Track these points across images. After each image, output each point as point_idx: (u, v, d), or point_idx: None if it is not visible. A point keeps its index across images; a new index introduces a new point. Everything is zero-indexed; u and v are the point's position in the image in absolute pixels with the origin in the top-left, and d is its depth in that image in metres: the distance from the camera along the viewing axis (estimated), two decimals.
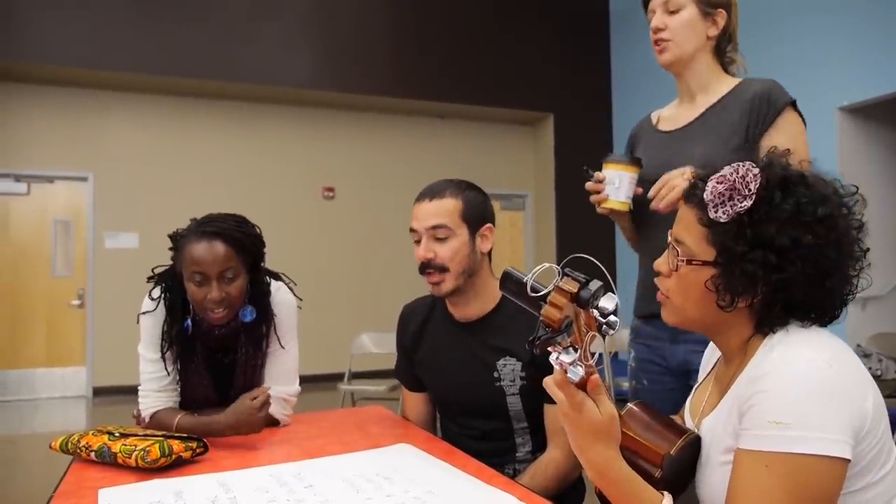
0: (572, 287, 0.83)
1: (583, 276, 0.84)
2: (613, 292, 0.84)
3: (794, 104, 1.46)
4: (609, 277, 0.84)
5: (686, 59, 1.54)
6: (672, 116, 1.63)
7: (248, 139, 6.95)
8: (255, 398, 1.50)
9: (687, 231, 0.95)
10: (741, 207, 0.88)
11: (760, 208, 0.88)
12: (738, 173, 0.89)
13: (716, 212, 0.90)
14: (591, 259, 0.89)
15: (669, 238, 0.99)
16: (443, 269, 1.50)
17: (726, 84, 1.54)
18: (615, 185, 1.52)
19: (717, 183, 0.90)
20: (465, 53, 7.28)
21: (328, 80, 6.78)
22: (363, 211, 7.32)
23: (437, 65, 7.17)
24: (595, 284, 0.83)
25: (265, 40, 6.53)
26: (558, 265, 0.86)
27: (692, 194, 0.96)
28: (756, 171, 0.89)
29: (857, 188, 0.96)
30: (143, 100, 6.60)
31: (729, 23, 1.54)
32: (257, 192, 6.84)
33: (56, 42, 5.84)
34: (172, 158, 6.67)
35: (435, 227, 1.50)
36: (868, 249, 0.94)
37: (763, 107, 1.44)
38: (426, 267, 1.51)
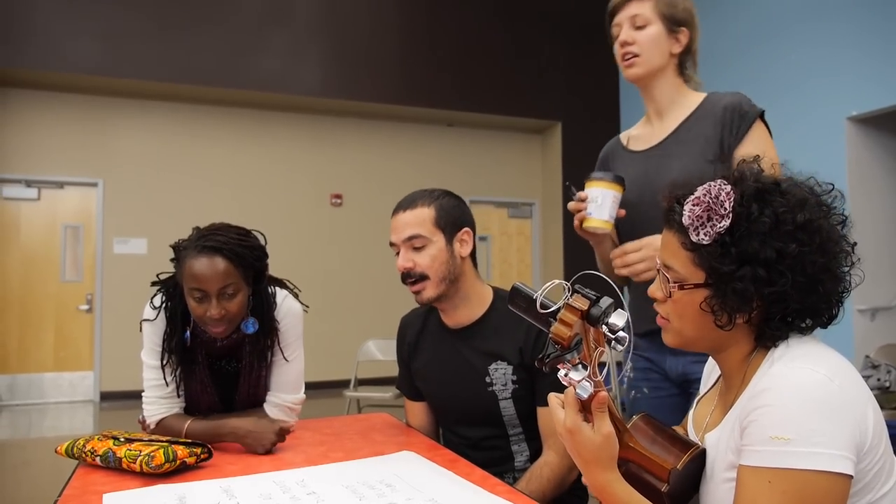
0: (582, 304, 0.83)
1: (593, 293, 0.84)
2: (623, 309, 0.83)
3: (762, 115, 1.48)
4: (619, 293, 0.84)
5: (652, 74, 1.55)
6: (643, 135, 1.63)
7: (257, 146, 6.99)
8: (275, 423, 1.53)
9: (673, 256, 0.95)
10: (721, 227, 0.87)
11: (740, 225, 0.87)
12: (710, 193, 0.89)
13: (697, 235, 0.89)
14: (602, 275, 0.89)
15: (658, 264, 0.98)
16: (423, 278, 1.52)
17: (693, 99, 1.55)
18: (598, 202, 1.46)
19: (694, 205, 0.90)
20: (473, 61, 7.30)
21: (337, 87, 6.82)
22: (371, 218, 7.34)
23: (446, 73, 7.20)
24: (605, 302, 0.83)
25: (275, 48, 6.58)
26: (565, 275, 0.86)
27: (671, 219, 0.95)
28: (728, 188, 0.88)
29: (833, 185, 0.95)
30: (153, 107, 6.66)
31: (691, 42, 1.55)
32: (266, 199, 6.87)
33: (67, 49, 5.90)
34: (182, 165, 6.72)
35: (411, 238, 1.52)
36: (856, 244, 0.92)
37: (735, 119, 1.45)
38: (407, 277, 1.54)
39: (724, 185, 0.89)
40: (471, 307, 1.57)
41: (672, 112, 1.57)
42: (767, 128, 1.49)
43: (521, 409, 1.51)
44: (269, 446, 1.48)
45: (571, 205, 1.53)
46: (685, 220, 0.91)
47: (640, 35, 1.53)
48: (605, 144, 1.75)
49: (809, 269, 0.86)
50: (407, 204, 1.56)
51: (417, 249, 1.52)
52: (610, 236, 1.59)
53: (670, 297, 0.95)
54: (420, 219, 1.53)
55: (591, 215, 1.48)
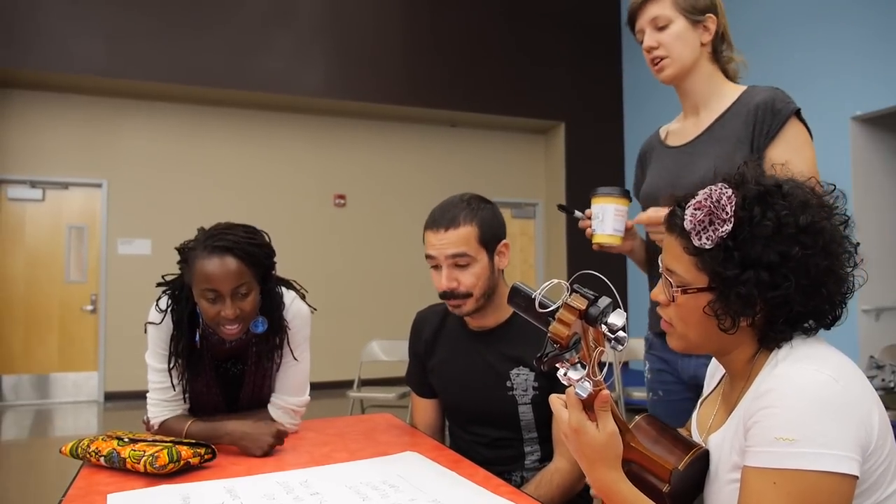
0: (581, 304, 0.83)
1: (591, 292, 0.84)
2: (622, 308, 0.83)
3: (798, 113, 1.41)
4: (617, 294, 0.84)
5: (686, 72, 1.51)
6: (679, 130, 1.59)
7: (260, 147, 7.00)
8: (273, 426, 1.51)
9: (676, 260, 0.94)
10: (723, 232, 0.87)
11: (743, 229, 0.87)
12: (712, 198, 0.88)
13: (699, 239, 0.89)
14: (600, 276, 0.89)
15: (661, 268, 0.98)
16: (466, 296, 1.49)
17: (731, 93, 1.50)
18: (599, 218, 1.51)
19: (695, 210, 0.89)
20: (477, 62, 7.30)
21: (340, 88, 6.82)
22: (374, 219, 7.35)
23: (450, 73, 7.20)
24: (604, 301, 0.83)
25: (279, 49, 6.59)
26: (569, 275, 0.86)
27: (673, 223, 0.95)
28: (729, 192, 0.88)
29: (835, 186, 0.95)
30: (157, 108, 6.67)
31: (719, 24, 1.50)
32: (270, 200, 6.88)
33: (72, 50, 5.92)
34: (186, 166, 6.73)
35: (456, 256, 1.47)
36: (858, 244, 0.92)
37: (767, 117, 1.39)
38: (450, 296, 1.49)
39: (726, 188, 0.89)
40: (498, 312, 1.56)
41: (708, 106, 1.52)
42: (807, 126, 1.42)
43: (539, 414, 1.50)
44: (266, 449, 1.47)
45: (580, 224, 1.56)
46: (687, 225, 0.90)
47: (663, 36, 1.48)
48: (644, 141, 1.70)
49: (813, 271, 0.86)
50: (448, 221, 1.47)
51: (461, 267, 1.47)
52: (634, 245, 1.60)
53: (673, 301, 0.95)
54: (465, 238, 1.46)
55: (596, 231, 1.52)
